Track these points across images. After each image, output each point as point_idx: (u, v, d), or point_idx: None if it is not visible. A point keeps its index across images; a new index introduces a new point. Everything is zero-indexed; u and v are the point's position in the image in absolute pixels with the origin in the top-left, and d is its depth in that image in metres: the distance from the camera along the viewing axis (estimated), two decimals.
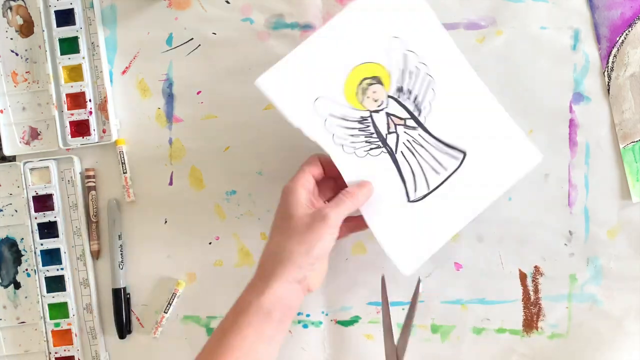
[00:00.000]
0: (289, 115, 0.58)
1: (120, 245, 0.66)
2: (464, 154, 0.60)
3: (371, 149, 0.60)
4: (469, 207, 0.60)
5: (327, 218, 0.53)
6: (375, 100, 0.60)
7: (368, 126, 0.60)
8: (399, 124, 0.60)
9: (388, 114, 0.60)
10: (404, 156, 0.60)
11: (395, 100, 0.60)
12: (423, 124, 0.60)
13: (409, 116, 0.60)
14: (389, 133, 0.60)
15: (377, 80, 0.60)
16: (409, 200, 0.60)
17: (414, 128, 0.60)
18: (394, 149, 0.60)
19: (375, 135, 0.60)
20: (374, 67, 0.59)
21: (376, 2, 0.59)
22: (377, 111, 0.60)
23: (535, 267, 0.65)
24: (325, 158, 0.59)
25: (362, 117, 0.60)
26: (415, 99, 0.60)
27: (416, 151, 0.60)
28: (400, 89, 0.60)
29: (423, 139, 0.60)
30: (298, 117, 0.58)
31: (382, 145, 0.60)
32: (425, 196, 0.60)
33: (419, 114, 0.60)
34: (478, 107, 0.60)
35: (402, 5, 0.59)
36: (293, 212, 0.54)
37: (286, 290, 0.53)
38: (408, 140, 0.60)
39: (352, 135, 0.59)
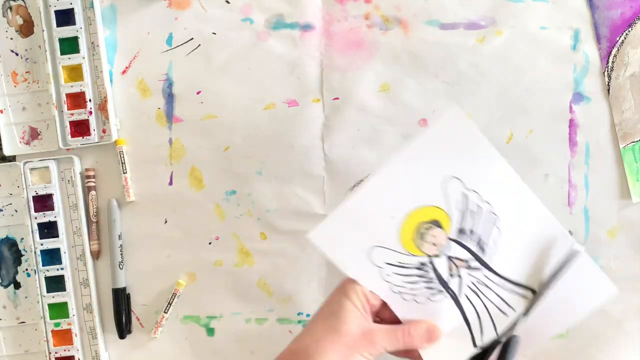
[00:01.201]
0: (344, 268, 0.54)
1: (120, 245, 0.66)
2: (533, 292, 0.56)
3: (432, 294, 0.56)
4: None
5: (374, 346, 0.51)
6: (435, 245, 0.55)
7: (428, 272, 0.56)
8: (461, 267, 0.56)
9: (450, 258, 0.56)
10: (469, 299, 0.56)
11: (457, 242, 0.56)
12: (488, 264, 0.56)
13: (472, 257, 0.56)
14: (452, 277, 0.56)
15: (437, 224, 0.55)
16: (474, 346, 0.56)
17: (477, 269, 0.56)
18: (457, 293, 0.56)
19: (436, 281, 0.56)
20: (431, 211, 0.55)
21: (432, 144, 0.54)
22: (437, 255, 0.56)
23: None
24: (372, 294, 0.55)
25: (421, 263, 0.55)
26: (479, 239, 0.56)
27: (482, 292, 0.56)
28: (462, 231, 0.56)
29: (489, 279, 0.56)
30: (353, 268, 0.54)
31: (444, 290, 0.56)
32: (494, 342, 0.55)
33: (483, 254, 0.56)
34: (546, 242, 0.56)
35: (461, 144, 0.54)
36: (345, 315, 0.51)
37: None
38: (473, 282, 0.56)
39: (411, 283, 0.55)
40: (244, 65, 0.65)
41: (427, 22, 0.65)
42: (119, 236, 0.66)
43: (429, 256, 0.55)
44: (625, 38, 0.63)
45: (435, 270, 0.56)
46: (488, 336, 0.56)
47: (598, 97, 0.64)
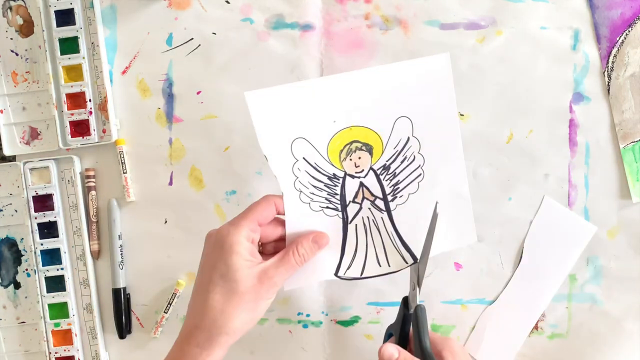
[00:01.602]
0: (263, 141, 0.55)
1: (120, 245, 0.66)
2: (415, 262, 0.57)
3: (328, 207, 0.58)
4: None
5: (274, 284, 0.52)
6: (357, 167, 0.57)
7: (336, 186, 0.58)
8: (367, 198, 0.58)
9: (362, 184, 0.58)
10: (356, 230, 0.58)
11: (376, 175, 0.58)
12: (391, 211, 0.58)
13: (381, 196, 0.58)
14: (353, 202, 0.58)
15: (368, 148, 0.57)
16: (335, 274, 0.57)
17: (380, 210, 0.58)
18: (349, 219, 0.58)
19: (338, 197, 0.58)
20: (371, 135, 0.57)
21: (407, 76, 0.56)
22: (352, 176, 0.58)
23: None
24: (281, 201, 0.57)
25: (335, 174, 0.57)
26: (397, 184, 0.58)
27: (370, 232, 0.58)
28: (386, 167, 0.58)
29: (384, 224, 0.58)
30: (271, 145, 0.56)
31: (340, 210, 0.58)
32: (353, 279, 0.57)
33: (392, 200, 0.58)
34: (450, 221, 0.58)
35: (432, 92, 0.56)
36: (236, 275, 0.51)
37: (224, 351, 0.52)
38: (368, 218, 0.58)
39: (315, 187, 0.57)
40: (244, 65, 0.65)
41: (427, 22, 0.65)
42: (119, 236, 0.66)
43: (345, 173, 0.57)
44: (625, 38, 0.63)
45: (343, 187, 0.57)
46: (352, 273, 0.57)
47: (598, 97, 0.64)
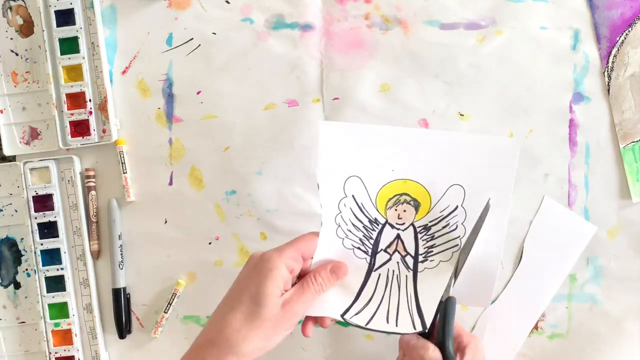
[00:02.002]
0: (322, 170, 0.57)
1: (120, 245, 0.66)
2: (424, 329, 0.56)
3: (359, 249, 0.58)
4: None
5: (295, 317, 0.52)
6: (400, 218, 0.58)
7: (374, 230, 0.58)
8: (399, 252, 0.58)
9: (399, 237, 0.58)
10: (377, 280, 0.58)
11: (415, 232, 0.58)
12: (417, 272, 0.58)
13: (413, 254, 0.58)
14: (385, 251, 0.58)
15: (416, 204, 0.58)
16: (341, 315, 0.56)
17: (407, 267, 0.58)
18: (375, 266, 0.58)
19: (372, 242, 0.58)
20: (422, 193, 0.58)
21: (470, 146, 0.57)
22: (392, 226, 0.58)
23: None
24: None
25: (376, 219, 0.58)
26: (432, 247, 0.58)
27: (390, 286, 0.58)
28: (427, 228, 0.58)
29: (405, 283, 0.58)
30: (327, 176, 0.57)
31: (369, 254, 0.58)
32: (356, 326, 0.56)
33: (423, 261, 0.58)
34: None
35: (488, 166, 0.57)
36: (264, 299, 0.51)
37: None
38: (393, 271, 0.58)
39: (354, 226, 0.58)
40: (244, 65, 0.65)
41: (427, 22, 0.65)
42: (119, 236, 0.66)
43: (387, 221, 0.58)
44: (625, 38, 0.63)
45: (380, 233, 0.58)
46: (358, 320, 0.56)
47: (598, 97, 0.64)
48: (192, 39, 0.66)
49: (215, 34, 0.66)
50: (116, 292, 0.66)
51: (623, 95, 0.64)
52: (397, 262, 0.58)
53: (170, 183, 0.67)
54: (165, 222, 0.67)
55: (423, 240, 0.58)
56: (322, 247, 0.57)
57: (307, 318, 0.56)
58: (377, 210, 0.58)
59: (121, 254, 0.66)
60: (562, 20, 0.64)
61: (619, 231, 0.65)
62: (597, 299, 0.65)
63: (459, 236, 0.58)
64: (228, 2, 0.66)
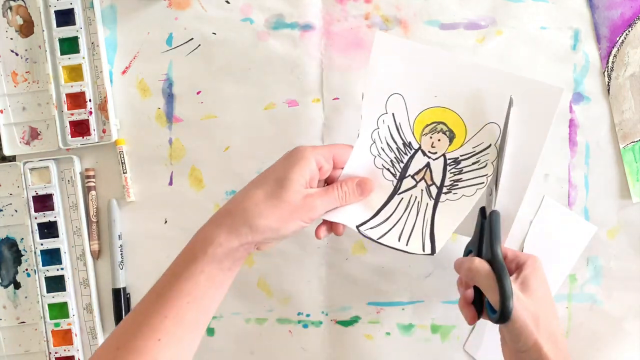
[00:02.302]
0: (369, 80, 0.57)
1: (120, 245, 0.66)
2: (432, 253, 0.56)
3: (388, 170, 0.58)
4: None
5: (313, 211, 0.53)
6: (433, 147, 0.58)
7: (406, 154, 0.59)
8: (425, 180, 0.59)
9: (428, 165, 0.58)
10: (399, 203, 0.58)
11: (445, 163, 0.58)
12: (439, 202, 0.58)
13: (438, 184, 0.58)
14: (412, 177, 0.59)
15: (451, 136, 0.58)
16: (357, 226, 0.57)
17: (430, 196, 0.58)
18: (400, 190, 0.58)
19: (402, 165, 0.59)
20: (459, 124, 0.58)
21: (516, 87, 0.56)
22: (424, 153, 0.58)
23: None
24: None
25: (410, 143, 0.58)
26: (458, 180, 0.58)
27: (409, 210, 0.58)
28: (457, 161, 0.58)
29: (425, 210, 0.58)
30: (372, 88, 0.57)
31: (397, 178, 0.58)
32: (368, 239, 0.56)
33: (446, 193, 0.58)
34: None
35: (529, 110, 0.56)
36: (288, 183, 0.52)
37: (242, 247, 0.52)
38: (415, 197, 0.58)
39: (388, 145, 0.58)
40: (244, 65, 0.65)
41: (427, 22, 0.65)
42: (119, 236, 0.66)
43: (420, 147, 0.58)
44: (625, 38, 0.63)
45: (411, 158, 0.58)
46: (371, 233, 0.56)
47: (598, 97, 0.64)
48: (192, 39, 0.66)
49: (215, 34, 0.66)
50: (116, 292, 0.66)
51: (623, 95, 0.64)
52: (422, 190, 0.58)
53: (170, 183, 0.67)
54: (165, 222, 0.67)
55: (451, 173, 0.58)
56: (354, 159, 0.57)
57: (323, 221, 0.57)
58: (412, 134, 0.58)
59: (121, 254, 0.66)
60: (562, 20, 0.64)
61: (619, 231, 0.65)
62: (597, 299, 0.65)
63: (486, 174, 0.57)
64: (228, 2, 0.66)
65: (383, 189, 0.58)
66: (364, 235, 0.56)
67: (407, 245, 0.56)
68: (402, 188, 0.58)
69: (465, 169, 0.58)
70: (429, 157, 0.58)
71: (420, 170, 0.59)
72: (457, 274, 0.58)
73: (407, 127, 0.58)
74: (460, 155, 0.58)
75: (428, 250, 0.56)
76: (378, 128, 0.58)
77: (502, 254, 0.55)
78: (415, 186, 0.58)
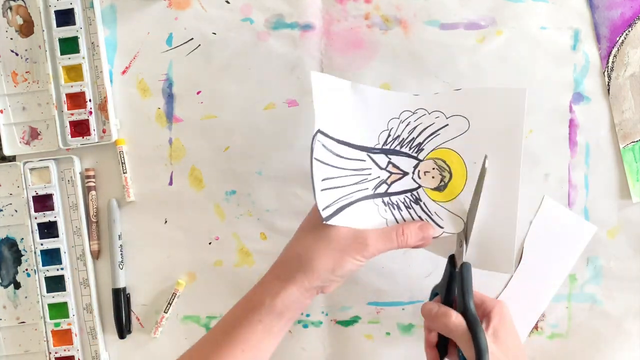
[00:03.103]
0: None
1: (120, 245, 0.66)
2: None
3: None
4: None
5: (367, 249, 0.52)
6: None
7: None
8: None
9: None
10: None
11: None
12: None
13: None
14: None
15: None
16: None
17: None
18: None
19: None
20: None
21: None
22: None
23: None
24: None
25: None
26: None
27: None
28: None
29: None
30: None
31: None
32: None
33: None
34: None
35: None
36: (334, 232, 0.52)
37: (302, 295, 0.52)
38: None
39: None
40: (244, 65, 0.65)
41: (427, 22, 0.65)
42: (119, 236, 0.66)
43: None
44: (625, 38, 0.63)
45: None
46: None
47: (598, 97, 0.64)
48: (192, 39, 0.66)
49: (215, 34, 0.66)
50: (116, 292, 0.66)
51: (623, 95, 0.64)
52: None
53: (170, 183, 0.67)
54: (165, 222, 0.67)
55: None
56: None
57: None
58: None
59: (121, 254, 0.66)
60: (562, 20, 0.64)
61: (619, 231, 0.65)
62: (597, 298, 0.65)
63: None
64: (228, 2, 0.66)
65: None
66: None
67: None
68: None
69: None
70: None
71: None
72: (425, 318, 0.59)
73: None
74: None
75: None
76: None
77: None
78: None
